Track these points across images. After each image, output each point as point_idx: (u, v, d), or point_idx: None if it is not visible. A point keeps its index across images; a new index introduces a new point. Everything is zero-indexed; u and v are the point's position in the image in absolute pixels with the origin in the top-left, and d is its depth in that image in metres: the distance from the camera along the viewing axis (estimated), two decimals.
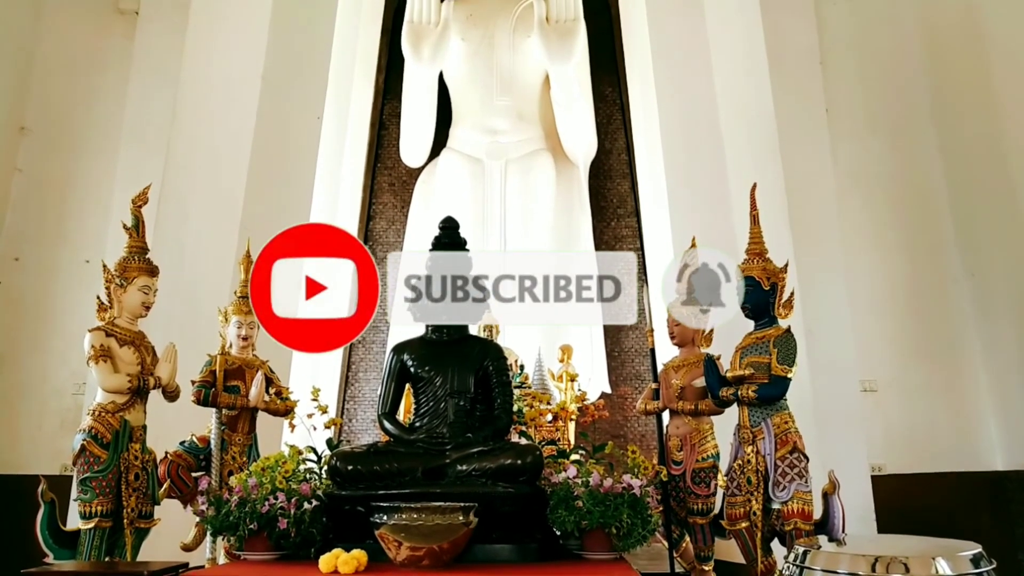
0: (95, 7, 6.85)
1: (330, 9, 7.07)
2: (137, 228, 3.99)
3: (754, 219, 4.03)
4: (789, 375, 3.70)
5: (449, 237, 4.02)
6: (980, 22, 6.22)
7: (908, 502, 5.75)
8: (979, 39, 6.24)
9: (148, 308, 3.90)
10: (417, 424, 3.77)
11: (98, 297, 3.89)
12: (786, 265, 3.97)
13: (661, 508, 3.71)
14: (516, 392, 5.13)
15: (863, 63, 6.80)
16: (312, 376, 7.21)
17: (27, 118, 6.57)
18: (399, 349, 3.92)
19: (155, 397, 3.90)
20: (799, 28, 6.35)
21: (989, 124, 6.21)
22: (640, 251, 8.27)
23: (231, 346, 4.30)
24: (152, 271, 3.92)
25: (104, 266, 3.90)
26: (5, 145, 6.41)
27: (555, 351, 6.71)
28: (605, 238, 8.38)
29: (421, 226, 7.93)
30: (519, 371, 6.12)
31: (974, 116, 6.37)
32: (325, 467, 3.64)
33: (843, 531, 3.59)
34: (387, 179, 8.71)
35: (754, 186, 4.09)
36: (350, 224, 8.26)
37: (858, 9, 6.91)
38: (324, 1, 7.00)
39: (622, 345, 8.06)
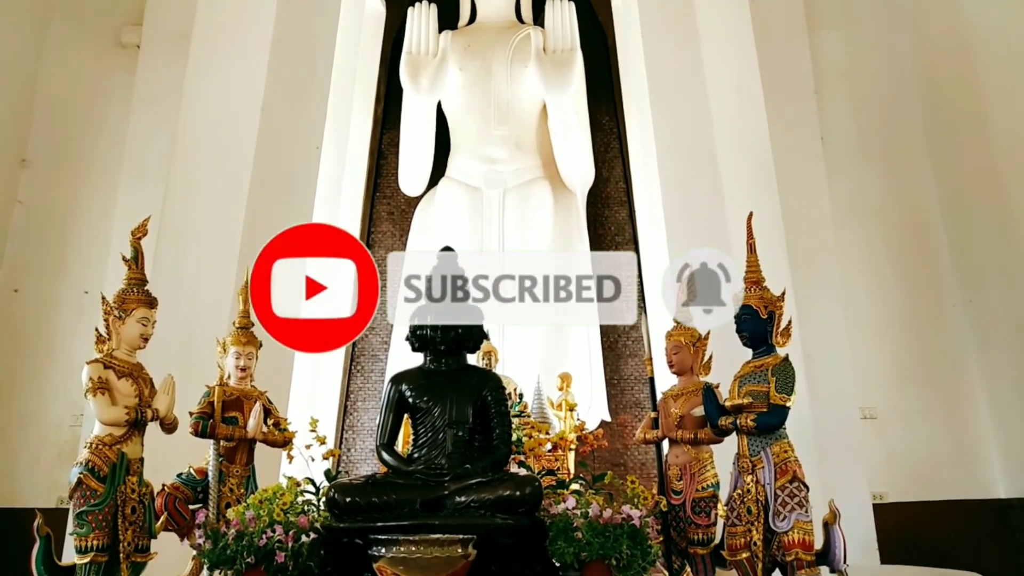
0: (97, 41, 6.94)
1: (329, 40, 7.14)
2: (136, 260, 3.98)
3: (751, 248, 4.04)
4: (788, 404, 3.69)
5: None
6: (972, 51, 6.30)
7: (910, 531, 5.72)
8: (971, 68, 6.31)
9: (147, 340, 3.89)
10: (416, 455, 3.75)
11: (96, 329, 3.89)
12: (783, 293, 3.99)
13: (661, 539, 3.68)
14: (515, 421, 5.11)
15: (857, 92, 6.88)
16: (310, 406, 7.19)
17: (29, 150, 6.63)
18: (397, 379, 3.91)
19: (152, 429, 3.88)
20: (793, 58, 6.44)
21: (983, 151, 6.26)
22: (639, 278, 8.27)
23: (229, 377, 4.29)
24: (151, 303, 3.92)
25: (103, 298, 3.91)
26: (6, 177, 6.46)
27: (554, 379, 6.69)
28: None
29: None
30: (518, 400, 6.09)
31: (968, 143, 6.43)
32: (323, 499, 3.62)
33: (845, 562, 3.56)
34: (386, 208, 8.74)
35: (750, 215, 4.11)
36: None
37: (851, 39, 7.00)
38: (323, 32, 7.08)
39: (621, 373, 8.03)
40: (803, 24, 6.57)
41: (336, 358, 7.99)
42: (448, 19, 8.59)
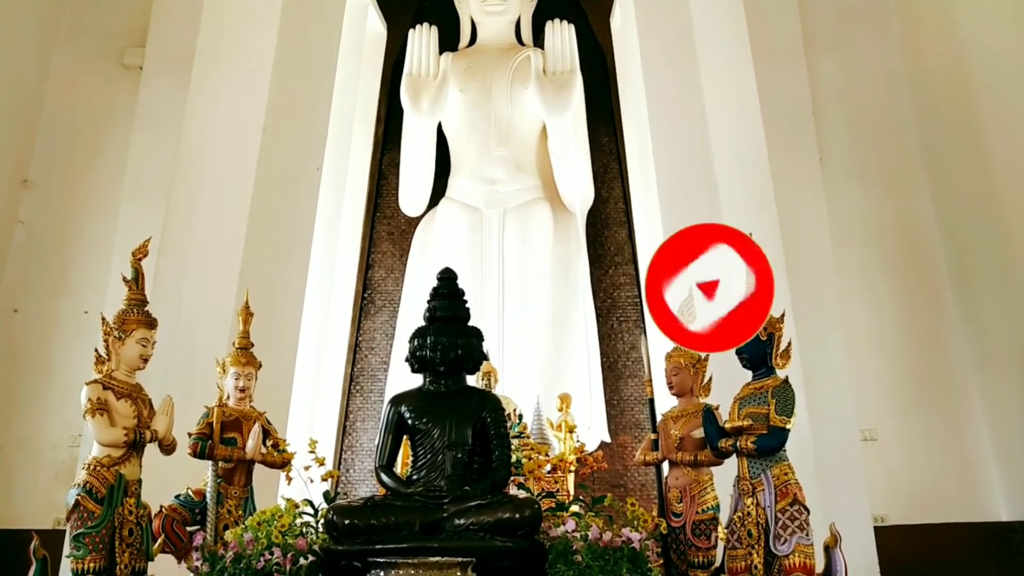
0: (100, 62, 6.97)
1: (330, 62, 7.20)
2: (137, 280, 3.99)
3: None
4: (788, 426, 3.69)
5: (447, 288, 4.04)
6: (967, 71, 6.34)
7: (912, 554, 5.67)
8: (967, 89, 6.35)
9: (146, 361, 3.90)
10: (415, 477, 3.74)
11: (96, 350, 3.89)
12: (783, 315, 3.99)
13: (661, 562, 3.67)
14: (514, 442, 5.10)
15: (855, 115, 6.90)
16: (309, 426, 7.18)
17: (31, 171, 6.64)
18: (397, 401, 3.91)
19: (151, 450, 3.87)
20: (791, 80, 6.46)
21: (980, 171, 6.29)
22: (638, 298, 8.29)
23: (228, 398, 4.29)
24: (151, 323, 3.93)
25: (103, 319, 3.91)
26: (8, 197, 6.47)
27: (554, 400, 6.69)
28: (603, 285, 8.40)
29: (420, 275, 7.96)
30: (517, 420, 6.08)
31: (965, 163, 6.45)
32: (322, 521, 3.61)
33: None
34: (386, 228, 8.77)
35: (750, 236, 4.12)
36: (349, 273, 8.30)
37: (848, 61, 7.03)
38: (324, 54, 7.13)
39: (621, 393, 8.02)
40: (800, 47, 6.60)
41: (335, 378, 7.99)
42: (449, 41, 8.66)
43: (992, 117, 6.17)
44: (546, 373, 7.41)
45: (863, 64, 7.02)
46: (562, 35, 8.39)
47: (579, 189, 8.26)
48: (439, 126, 8.38)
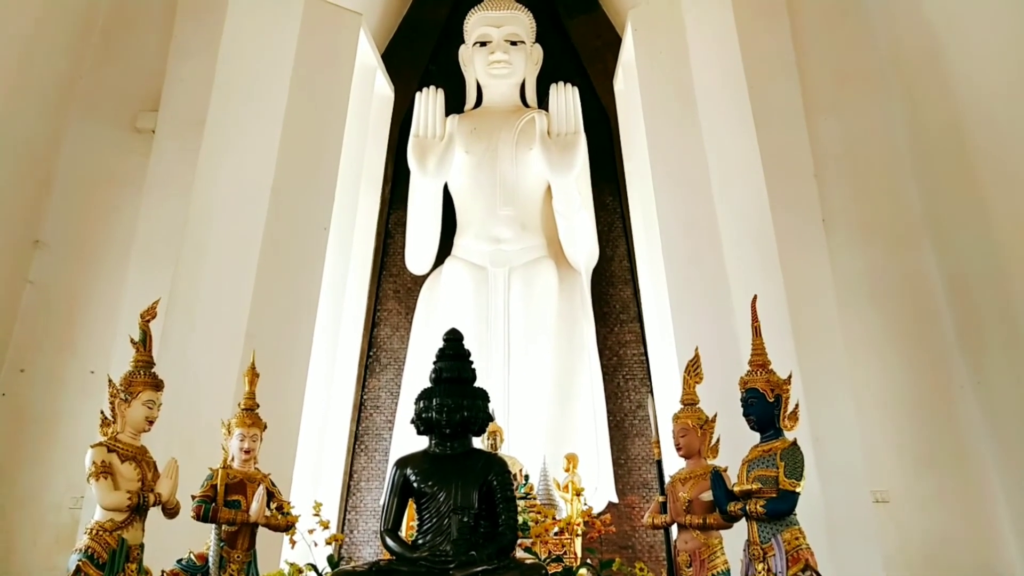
0: (113, 125, 7.10)
1: (338, 123, 7.33)
2: (144, 342, 4.02)
3: (756, 331, 4.05)
4: (797, 489, 3.65)
5: (453, 349, 4.05)
6: (967, 131, 6.40)
7: None
8: (967, 147, 6.40)
9: (152, 423, 3.90)
10: (420, 541, 3.70)
11: (102, 412, 3.89)
12: (790, 376, 3.98)
13: None
14: (521, 504, 5.03)
15: (856, 174, 6.97)
16: (314, 487, 7.11)
17: (43, 232, 6.71)
18: (402, 463, 3.89)
19: (153, 512, 3.84)
20: (792, 141, 6.55)
21: (982, 229, 6.30)
22: (644, 356, 8.27)
23: (233, 459, 4.26)
24: (157, 385, 3.93)
25: (110, 380, 3.92)
26: (19, 258, 6.53)
27: (560, 460, 6.62)
28: (609, 343, 8.39)
29: (425, 333, 7.97)
30: (524, 481, 6.01)
31: (967, 222, 6.47)
32: None
33: None
34: (392, 286, 8.82)
35: (755, 298, 4.14)
36: (355, 331, 8.31)
37: (847, 122, 7.12)
38: (333, 116, 7.27)
39: (628, 452, 7.95)
40: (800, 109, 6.71)
41: (340, 437, 7.93)
42: (455, 103, 8.82)
43: (993, 175, 6.22)
44: (552, 432, 7.35)
45: (863, 125, 7.11)
46: (566, 97, 8.54)
47: (584, 248, 8.32)
48: (445, 186, 8.49)
